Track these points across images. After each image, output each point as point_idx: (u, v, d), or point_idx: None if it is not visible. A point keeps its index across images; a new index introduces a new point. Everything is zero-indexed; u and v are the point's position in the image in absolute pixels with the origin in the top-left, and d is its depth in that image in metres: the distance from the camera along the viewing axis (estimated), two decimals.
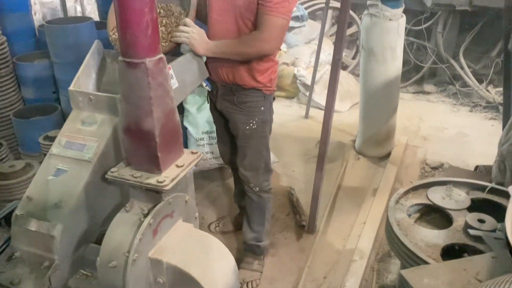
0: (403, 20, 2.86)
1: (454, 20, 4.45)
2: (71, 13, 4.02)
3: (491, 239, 1.52)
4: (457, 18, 4.43)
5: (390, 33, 2.82)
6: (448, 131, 3.93)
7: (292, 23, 5.00)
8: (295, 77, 4.58)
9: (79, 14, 4.11)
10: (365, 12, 2.91)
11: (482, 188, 1.89)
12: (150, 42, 1.41)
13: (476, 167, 2.77)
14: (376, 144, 3.35)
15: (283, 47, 4.98)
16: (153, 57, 1.43)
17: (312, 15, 5.21)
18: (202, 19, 2.06)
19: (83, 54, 2.00)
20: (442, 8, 4.33)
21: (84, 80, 1.91)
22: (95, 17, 3.77)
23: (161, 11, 1.92)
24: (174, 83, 1.81)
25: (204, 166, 3.01)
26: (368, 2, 2.87)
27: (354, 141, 3.61)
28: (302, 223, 2.74)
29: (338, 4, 4.92)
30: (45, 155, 1.82)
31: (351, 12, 5.01)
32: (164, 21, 1.88)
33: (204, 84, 2.12)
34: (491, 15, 4.20)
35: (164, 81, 1.50)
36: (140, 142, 1.51)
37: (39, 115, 2.92)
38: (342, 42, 2.31)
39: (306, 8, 5.09)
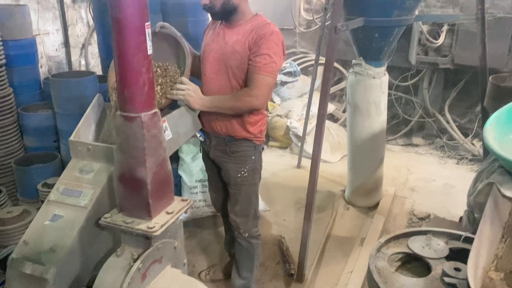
0: (385, 78, 3.05)
1: (439, 77, 4.69)
2: (75, 66, 4.24)
3: (464, 287, 1.59)
4: (441, 75, 4.67)
5: (374, 90, 3.00)
6: (436, 183, 4.04)
7: (285, 78, 5.26)
8: (288, 128, 4.75)
9: (83, 68, 4.33)
10: (350, 70, 3.11)
11: (460, 238, 1.98)
12: (146, 98, 1.55)
13: (461, 218, 2.86)
14: (365, 194, 3.45)
15: (277, 100, 5.20)
16: (148, 112, 1.57)
17: (304, 71, 5.47)
18: (196, 76, 2.23)
19: (85, 106, 2.15)
20: (427, 66, 4.57)
21: (84, 131, 2.04)
22: (98, 70, 3.98)
23: (158, 70, 2.09)
24: (168, 134, 1.94)
25: (197, 214, 3.09)
26: (353, 61, 3.07)
27: (344, 191, 3.71)
28: (291, 272, 2.78)
29: None
30: (43, 201, 1.92)
31: (341, 68, 5.28)
32: (160, 80, 2.04)
33: (198, 135, 2.26)
34: (473, 72, 4.44)
35: (158, 133, 1.63)
36: (133, 189, 1.62)
37: (39, 163, 3.03)
38: (326, 98, 2.47)
39: (298, 65, 5.36)
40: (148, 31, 1.50)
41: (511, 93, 2.41)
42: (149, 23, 1.51)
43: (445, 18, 4.09)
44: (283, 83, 5.25)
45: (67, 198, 1.79)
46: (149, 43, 1.52)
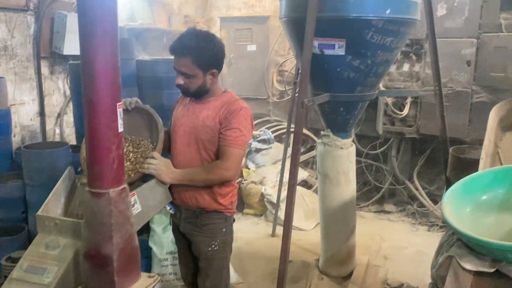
0: (353, 148, 3.18)
1: (406, 146, 4.88)
2: (50, 135, 4.25)
3: None
4: (409, 144, 4.87)
5: (342, 160, 3.11)
6: (408, 250, 4.07)
7: (260, 145, 5.38)
8: (262, 195, 4.78)
9: (57, 137, 4.35)
10: (319, 140, 3.23)
11: None
12: (115, 174, 1.59)
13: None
14: (338, 263, 3.44)
15: (252, 166, 5.28)
16: (117, 188, 1.60)
17: (278, 138, 5.62)
18: (166, 149, 2.28)
19: (56, 177, 2.16)
20: (394, 135, 4.78)
21: (52, 205, 2.04)
22: (73, 139, 4.01)
23: (130, 144, 2.14)
24: (137, 207, 1.96)
25: None
26: (322, 132, 3.20)
27: (318, 260, 3.69)
28: None
29: (304, 130, 5.37)
30: (6, 277, 1.87)
31: (313, 136, 5.45)
32: (131, 155, 2.08)
33: (168, 208, 2.27)
34: (438, 141, 4.64)
35: (126, 209, 1.65)
36: (99, 266, 1.61)
37: (6, 235, 2.94)
38: (295, 169, 2.54)
39: (272, 132, 5.51)
40: (119, 110, 1.57)
41: (470, 165, 2.53)
42: (121, 103, 1.58)
43: (405, 93, 4.35)
44: (258, 150, 5.36)
45: (30, 276, 1.75)
46: (120, 122, 1.58)
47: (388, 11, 2.53)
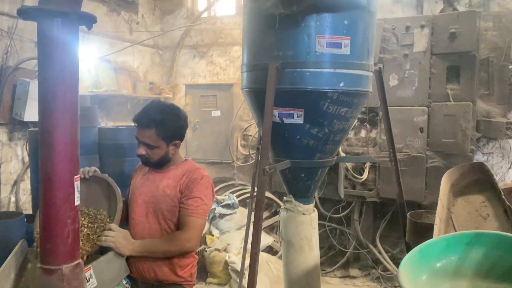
0: (315, 214, 3.21)
1: (368, 209, 4.97)
2: (4, 203, 4.09)
3: None
4: (370, 207, 4.97)
5: (305, 226, 3.12)
6: None
7: (224, 210, 5.33)
8: (226, 263, 4.67)
9: (12, 205, 4.18)
10: (282, 206, 3.26)
11: None
12: (69, 250, 1.54)
13: None
14: None
15: (216, 233, 5.19)
16: (71, 263, 1.54)
17: (243, 203, 5.60)
18: (123, 220, 2.24)
19: (8, 250, 2.06)
20: (355, 199, 4.87)
21: (1, 281, 1.93)
22: (29, 207, 3.87)
23: (87, 218, 2.08)
24: (93, 282, 1.88)
25: None
26: (284, 198, 3.23)
27: None
28: None
29: (268, 194, 5.39)
30: None
31: (277, 200, 5.47)
32: (85, 230, 2.02)
33: (125, 282, 2.19)
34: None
35: (79, 285, 1.58)
36: None
37: None
38: (258, 237, 2.54)
39: (237, 197, 5.50)
40: (77, 183, 1.56)
41: (427, 230, 2.59)
42: (78, 175, 1.57)
43: (363, 160, 4.52)
44: (222, 216, 5.30)
45: None
46: (76, 195, 1.56)
47: (342, 84, 2.68)
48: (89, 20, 1.52)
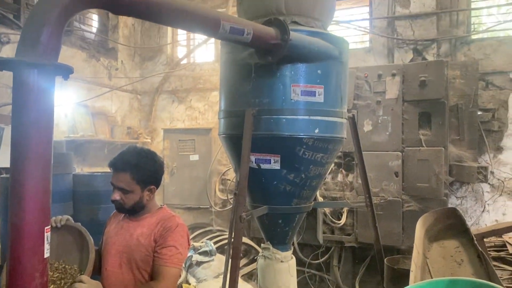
0: (293, 261, 3.18)
1: (347, 254, 4.94)
2: None
3: None
4: (349, 252, 4.94)
5: (283, 274, 3.08)
6: None
7: (201, 258, 5.21)
8: None
9: None
10: (260, 253, 3.22)
11: None
12: None
13: None
14: None
15: (193, 281, 5.05)
16: None
17: (221, 249, 5.49)
18: (96, 271, 2.17)
19: None
20: (334, 244, 4.85)
21: None
22: None
23: (56, 271, 2.01)
24: None
25: None
26: (262, 245, 3.20)
27: None
28: None
29: (246, 240, 5.33)
30: None
31: (256, 247, 5.39)
32: (52, 287, 1.94)
33: None
34: None
35: None
36: None
37: None
38: (235, 285, 2.49)
39: (215, 243, 5.40)
40: (47, 234, 1.52)
41: (405, 276, 2.59)
42: (49, 226, 1.53)
43: (340, 205, 4.56)
44: (199, 263, 5.17)
45: None
46: (46, 246, 1.52)
47: (317, 130, 2.75)
48: (66, 71, 1.54)
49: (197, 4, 2.18)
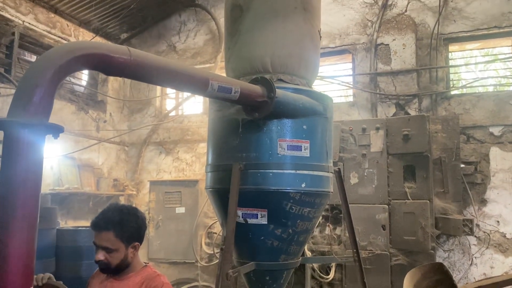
0: None
1: None
2: None
3: None
4: None
5: None
6: None
7: None
8: None
9: None
10: None
11: None
12: None
13: None
14: None
15: None
16: None
17: None
18: None
19: None
20: None
21: None
22: None
23: None
24: None
25: None
26: None
27: None
28: None
29: None
30: None
31: None
32: None
33: None
34: None
35: None
36: None
37: None
38: None
39: None
40: None
41: None
42: (31, 287, 1.49)
43: (328, 260, 4.51)
44: None
45: None
46: None
47: (303, 185, 2.77)
48: (56, 130, 1.56)
49: (186, 64, 2.26)
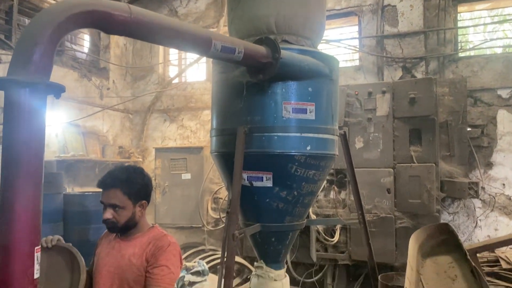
0: (286, 280, 3.14)
1: (340, 272, 4.91)
2: None
3: None
4: (343, 270, 4.91)
5: None
6: None
7: (193, 278, 5.13)
8: None
9: None
10: (253, 272, 3.18)
11: None
12: None
13: None
14: None
15: None
16: None
17: (214, 269, 5.43)
18: None
19: None
20: (328, 262, 4.82)
21: None
22: None
23: None
24: None
25: None
26: (255, 264, 3.17)
27: None
28: None
29: (239, 259, 5.27)
30: None
31: (249, 266, 5.34)
32: None
33: None
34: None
35: None
36: None
37: None
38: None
39: (207, 263, 5.33)
40: (37, 255, 1.49)
41: None
42: (39, 247, 1.51)
43: (332, 222, 4.55)
44: (191, 284, 5.09)
45: None
46: (36, 267, 1.49)
47: (308, 148, 2.76)
48: (58, 90, 1.54)
49: (188, 23, 2.20)
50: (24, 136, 1.46)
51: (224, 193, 5.85)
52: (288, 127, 2.76)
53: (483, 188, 4.80)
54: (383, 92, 4.62)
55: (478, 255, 3.01)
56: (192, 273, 5.12)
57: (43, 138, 1.50)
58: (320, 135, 2.84)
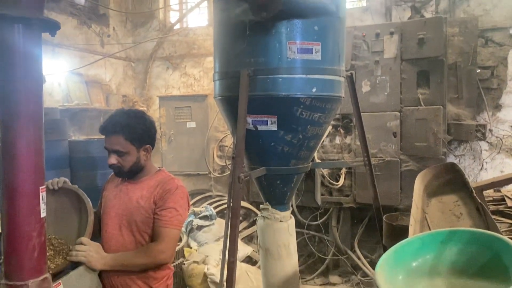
0: (292, 221, 3.19)
1: (345, 215, 4.99)
2: None
3: None
4: (347, 213, 4.99)
5: (282, 233, 3.10)
6: None
7: (202, 222, 5.26)
8: (205, 275, 4.59)
9: None
10: (259, 214, 3.23)
11: None
12: (35, 264, 1.47)
13: None
14: None
15: (194, 245, 5.11)
16: (37, 278, 1.48)
17: (221, 214, 5.54)
18: (96, 233, 2.17)
19: None
20: (332, 205, 4.88)
21: None
22: None
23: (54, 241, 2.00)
24: None
25: None
26: (261, 206, 3.21)
27: None
28: None
29: (245, 204, 5.36)
30: None
31: (255, 210, 5.44)
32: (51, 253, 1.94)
33: None
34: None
35: None
36: None
37: None
38: (235, 245, 2.50)
39: (214, 208, 5.44)
40: (42, 194, 1.50)
41: (403, 231, 2.61)
42: (44, 186, 1.51)
43: (338, 165, 4.56)
44: (199, 227, 5.23)
45: None
46: (42, 206, 1.50)
47: (314, 90, 2.70)
48: (52, 27, 1.48)
49: None
50: (20, 75, 1.42)
51: (229, 141, 5.85)
52: (293, 68, 2.68)
53: (490, 130, 4.75)
54: (391, 33, 4.47)
55: (484, 194, 3.02)
56: (200, 218, 5.24)
57: (41, 76, 1.46)
58: (326, 76, 2.77)
